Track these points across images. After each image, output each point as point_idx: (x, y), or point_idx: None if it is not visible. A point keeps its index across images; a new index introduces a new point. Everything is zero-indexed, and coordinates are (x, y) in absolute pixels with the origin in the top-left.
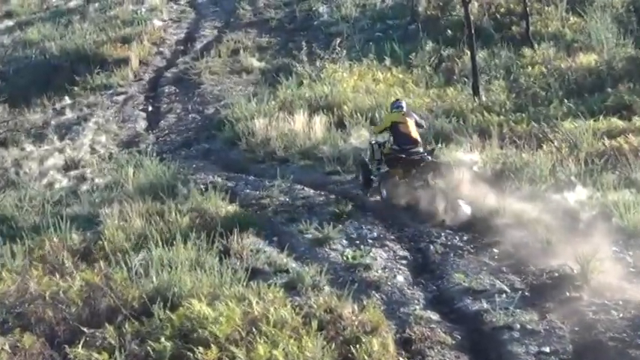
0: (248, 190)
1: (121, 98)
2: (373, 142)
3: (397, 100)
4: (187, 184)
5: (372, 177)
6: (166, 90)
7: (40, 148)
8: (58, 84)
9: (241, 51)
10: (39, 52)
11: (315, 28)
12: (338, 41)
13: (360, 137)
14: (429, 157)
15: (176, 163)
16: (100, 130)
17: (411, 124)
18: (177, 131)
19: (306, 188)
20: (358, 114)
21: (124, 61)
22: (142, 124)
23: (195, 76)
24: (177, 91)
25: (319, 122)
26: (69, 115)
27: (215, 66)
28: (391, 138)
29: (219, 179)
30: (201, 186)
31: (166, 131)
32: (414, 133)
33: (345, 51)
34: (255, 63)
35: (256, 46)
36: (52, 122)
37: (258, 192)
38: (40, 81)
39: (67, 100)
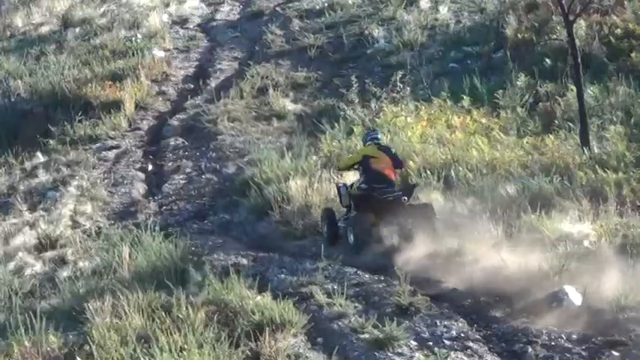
0: (283, 275)
1: (111, 154)
2: (341, 184)
3: (373, 130)
4: (202, 268)
5: (336, 226)
6: (172, 142)
7: (4, 221)
8: (28, 136)
9: (270, 90)
10: (1, 93)
11: (369, 58)
12: (399, 75)
13: (432, 199)
14: (405, 199)
15: (186, 239)
16: (84, 197)
17: (386, 160)
18: (187, 197)
19: (360, 272)
20: (428, 172)
21: (116, 105)
22: (139, 189)
23: (210, 123)
24: (187, 143)
25: None
26: (42, 177)
27: (236, 110)
28: (361, 177)
29: (245, 261)
30: (221, 270)
31: (172, 197)
32: (389, 171)
33: (409, 88)
34: (289, 105)
35: (290, 82)
36: (21, 187)
37: (296, 277)
38: (3, 132)
39: (40, 158)
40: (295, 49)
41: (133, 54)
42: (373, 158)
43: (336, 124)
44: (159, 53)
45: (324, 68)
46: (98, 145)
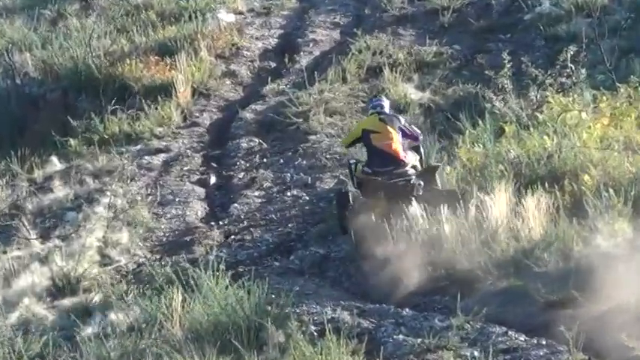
0: (401, 336)
1: (158, 160)
2: (352, 161)
3: (376, 97)
4: (285, 325)
5: (346, 212)
6: (244, 145)
7: (4, 254)
8: (39, 133)
9: (386, 70)
10: (1, 72)
11: (527, 28)
12: (571, 52)
13: (615, 235)
14: (421, 182)
15: (263, 283)
16: (117, 222)
17: (392, 134)
18: (266, 223)
19: (511, 332)
20: (611, 190)
21: (164, 91)
22: (198, 210)
23: (300, 118)
24: (265, 146)
25: (536, 206)
26: (59, 192)
27: (336, 99)
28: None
29: (347, 315)
30: (312, 328)
31: (244, 223)
32: (397, 148)
33: (584, 71)
34: (412, 93)
35: (415, 60)
36: (28, 205)
37: (420, 340)
38: (4, 128)
39: (56, 164)
40: (422, 12)
41: (190, 18)
42: (374, 133)
43: (479, 121)
44: (227, 17)
45: (462, 41)
46: (139, 147)
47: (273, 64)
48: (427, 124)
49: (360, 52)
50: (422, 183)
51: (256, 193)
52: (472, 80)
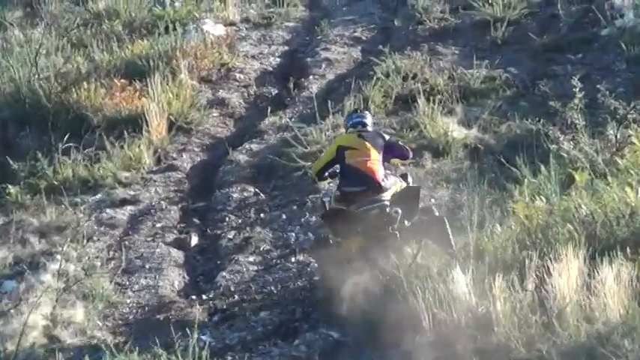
0: None
1: (123, 214)
2: (326, 199)
3: (356, 112)
4: None
5: None
6: (234, 195)
7: None
8: None
9: (420, 100)
10: None
11: (605, 46)
12: None
13: None
14: (398, 210)
15: None
16: (70, 294)
17: (371, 151)
18: (262, 297)
19: None
20: None
21: (133, 124)
22: (174, 279)
23: (308, 160)
24: (263, 197)
25: (614, 279)
26: None
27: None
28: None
29: None
30: None
31: (234, 297)
32: (374, 167)
33: None
34: (454, 130)
35: (458, 87)
36: None
37: None
38: None
39: None
40: (468, 24)
41: (167, 29)
42: (350, 150)
43: (541, 167)
44: (215, 29)
45: (520, 62)
46: (99, 196)
47: (274, 91)
48: (474, 170)
49: (387, 75)
50: (399, 211)
51: (251, 259)
52: (532, 114)
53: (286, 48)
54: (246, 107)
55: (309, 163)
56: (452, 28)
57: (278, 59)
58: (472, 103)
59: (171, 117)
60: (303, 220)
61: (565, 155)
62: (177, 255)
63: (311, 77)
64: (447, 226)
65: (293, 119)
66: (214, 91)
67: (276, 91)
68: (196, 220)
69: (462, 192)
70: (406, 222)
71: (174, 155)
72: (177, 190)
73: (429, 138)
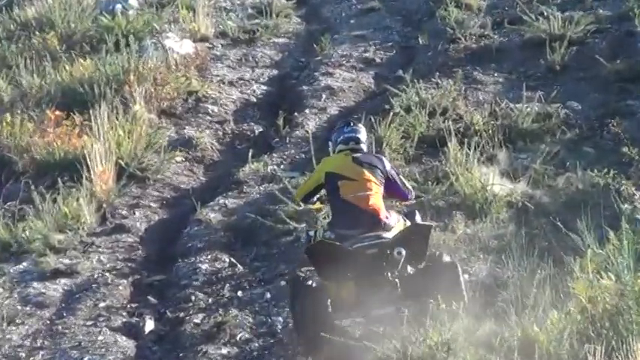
0: None
1: (56, 289)
2: (310, 232)
3: (348, 124)
4: None
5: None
6: (203, 266)
7: None
8: None
9: (452, 142)
10: None
11: None
12: None
13: None
14: (402, 251)
15: None
16: None
17: (371, 183)
18: None
19: None
20: None
21: (71, 170)
22: None
23: (301, 221)
24: (240, 269)
25: None
26: None
27: None
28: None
29: None
30: None
31: None
32: (376, 203)
33: None
34: (496, 183)
35: (502, 126)
36: None
37: None
38: None
39: None
40: (516, 44)
41: (117, 45)
42: (344, 180)
43: (610, 233)
44: (181, 45)
45: (583, 94)
46: (24, 265)
47: (257, 129)
48: (521, 236)
49: (407, 110)
50: (402, 252)
51: (224, 351)
52: (600, 163)
53: (275, 72)
54: (220, 150)
55: (303, 226)
56: (494, 48)
57: (264, 87)
58: (520, 149)
59: (120, 161)
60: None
61: None
62: (127, 345)
63: (307, 111)
64: (460, 275)
65: (282, 167)
66: (179, 127)
67: (261, 129)
68: (152, 299)
69: (504, 266)
70: (409, 268)
71: (125, 212)
72: (128, 259)
73: (462, 194)
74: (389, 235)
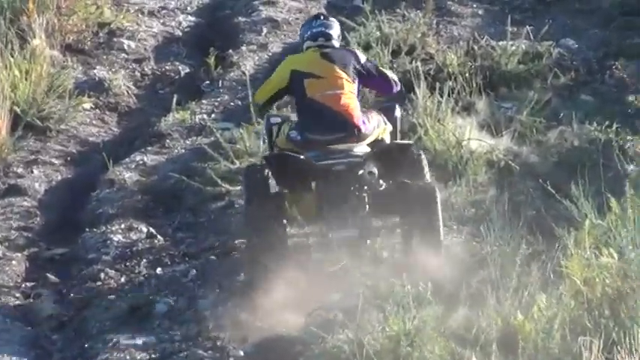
0: None
1: None
2: (275, 120)
3: (317, 17)
4: None
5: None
6: (116, 237)
7: None
8: None
9: (421, 87)
10: None
11: None
12: None
13: None
14: (374, 170)
15: None
16: None
17: (343, 80)
18: None
19: None
20: None
21: None
22: None
23: (236, 182)
24: (161, 241)
25: None
26: None
27: None
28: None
29: None
30: None
31: None
32: (349, 103)
33: None
34: (474, 138)
35: (481, 68)
36: None
37: None
38: None
39: None
40: None
41: None
42: (311, 78)
43: (611, 200)
44: None
45: (580, 30)
46: None
47: (183, 70)
48: (503, 203)
49: (367, 47)
50: (374, 172)
51: (139, 341)
52: (600, 114)
53: (206, 0)
54: (138, 95)
55: (238, 188)
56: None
57: (191, 18)
58: (503, 96)
59: (16, 108)
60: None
61: None
62: (20, 333)
63: (244, 48)
64: (438, 202)
65: (213, 116)
66: (88, 67)
67: (188, 70)
68: (52, 277)
69: (483, 239)
70: (382, 182)
71: (20, 170)
72: (23, 228)
73: (432, 150)
74: (361, 149)
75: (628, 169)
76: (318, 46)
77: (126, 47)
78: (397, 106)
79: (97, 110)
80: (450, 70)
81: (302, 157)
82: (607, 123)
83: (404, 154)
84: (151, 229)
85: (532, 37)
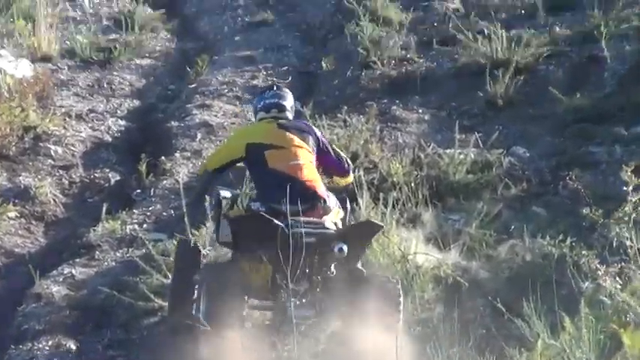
0: None
1: None
2: (221, 192)
3: (271, 87)
4: None
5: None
6: (40, 353)
7: None
8: None
9: (364, 197)
10: None
11: None
12: None
13: None
14: (343, 247)
15: None
16: None
17: (303, 150)
18: None
19: None
20: None
21: None
22: None
23: None
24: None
25: None
26: None
27: None
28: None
29: None
30: None
31: None
32: (311, 175)
33: None
34: (421, 250)
35: (428, 178)
36: None
37: None
38: None
39: None
40: (447, 71)
41: None
42: (272, 149)
43: (566, 319)
44: (17, 66)
45: (533, 137)
46: None
47: (113, 177)
48: (451, 322)
49: None
50: (344, 249)
51: None
52: (553, 227)
53: (136, 103)
54: (65, 204)
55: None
56: (420, 76)
57: (122, 122)
58: (451, 207)
59: None
60: None
61: (607, 300)
62: None
63: (177, 154)
64: (400, 294)
65: (145, 226)
66: (12, 174)
67: (118, 178)
68: None
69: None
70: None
71: None
72: None
73: (376, 265)
74: (331, 224)
75: (583, 286)
76: (272, 117)
77: (53, 153)
78: (347, 199)
79: (23, 219)
80: (394, 179)
81: (276, 221)
82: (560, 237)
83: (375, 233)
84: (80, 347)
85: (481, 145)
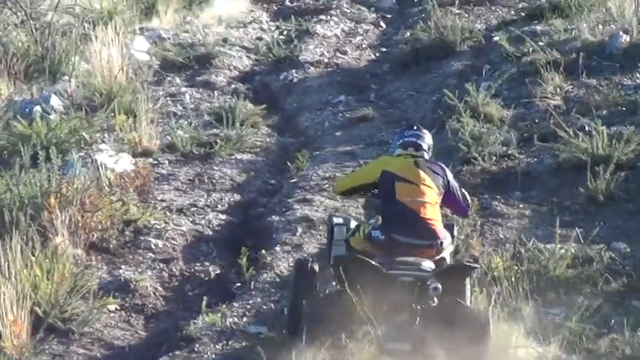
0: None
1: None
2: (338, 220)
3: (411, 126)
4: None
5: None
6: None
7: None
8: None
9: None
10: None
11: None
12: None
13: None
14: (438, 286)
15: None
16: None
17: (431, 190)
18: None
19: None
20: None
21: None
22: None
23: None
24: None
25: None
26: None
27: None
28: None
29: None
30: None
31: None
32: (433, 215)
33: None
34: (521, 344)
35: (527, 272)
36: None
37: None
38: None
39: None
40: (547, 167)
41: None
42: (403, 182)
43: None
44: (118, 161)
45: (633, 232)
46: None
47: (214, 270)
48: None
49: None
50: (439, 288)
51: None
52: None
53: (237, 197)
54: (165, 297)
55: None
56: (520, 172)
57: (222, 216)
58: (551, 302)
59: (37, 309)
60: None
61: None
62: None
63: (278, 248)
64: (490, 328)
65: (246, 320)
66: (113, 267)
67: (218, 271)
68: None
69: None
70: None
71: None
72: None
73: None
74: (430, 265)
75: None
76: (410, 154)
77: (153, 246)
78: (455, 225)
79: (123, 312)
80: (495, 273)
81: (373, 263)
82: None
83: (468, 273)
84: None
85: (582, 240)
